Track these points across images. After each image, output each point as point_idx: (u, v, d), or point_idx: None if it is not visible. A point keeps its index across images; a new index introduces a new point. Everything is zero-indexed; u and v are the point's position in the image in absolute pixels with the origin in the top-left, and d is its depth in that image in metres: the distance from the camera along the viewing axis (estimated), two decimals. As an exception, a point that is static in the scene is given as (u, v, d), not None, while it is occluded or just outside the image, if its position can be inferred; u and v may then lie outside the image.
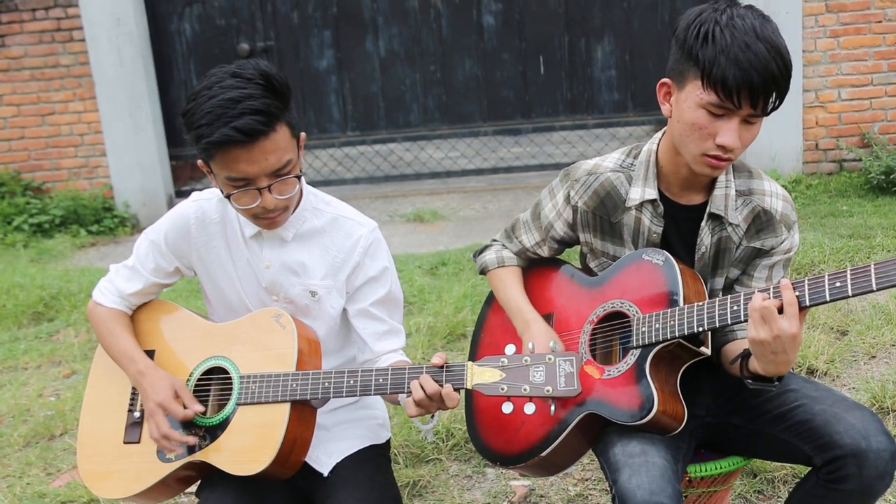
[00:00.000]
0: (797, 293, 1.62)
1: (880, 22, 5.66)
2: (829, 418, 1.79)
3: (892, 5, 5.62)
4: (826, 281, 1.60)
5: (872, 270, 1.56)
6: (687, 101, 1.75)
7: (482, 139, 6.60)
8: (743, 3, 1.76)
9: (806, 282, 1.63)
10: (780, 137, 5.72)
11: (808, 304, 1.62)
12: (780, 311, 1.62)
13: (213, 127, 1.74)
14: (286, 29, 6.38)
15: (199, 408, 1.91)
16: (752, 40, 1.67)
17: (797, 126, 5.79)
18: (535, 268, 2.14)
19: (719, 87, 1.68)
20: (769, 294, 1.66)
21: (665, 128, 1.92)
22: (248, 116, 1.73)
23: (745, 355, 1.76)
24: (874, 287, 1.56)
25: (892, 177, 5.32)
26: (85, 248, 6.05)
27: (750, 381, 1.77)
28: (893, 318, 3.50)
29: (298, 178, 1.88)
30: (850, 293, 1.58)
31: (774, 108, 1.75)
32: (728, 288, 1.96)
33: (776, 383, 1.75)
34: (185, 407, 1.91)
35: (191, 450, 1.91)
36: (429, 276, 4.64)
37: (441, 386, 1.73)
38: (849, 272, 1.59)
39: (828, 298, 1.60)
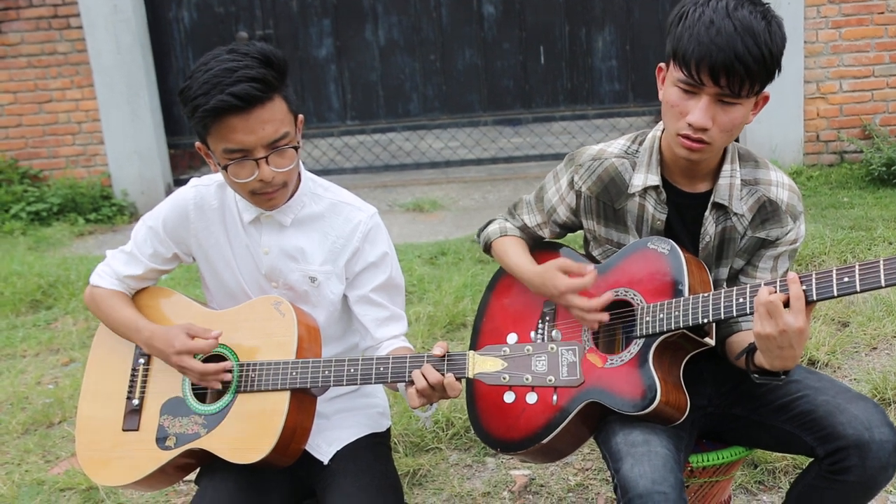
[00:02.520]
0: (804, 287, 1.60)
1: (882, 13, 5.63)
2: (831, 409, 1.78)
3: (895, -4, 5.60)
4: (834, 275, 1.58)
5: (882, 266, 1.54)
6: (667, 81, 1.78)
7: (482, 129, 6.58)
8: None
9: (813, 276, 1.61)
10: (780, 128, 5.70)
11: (815, 298, 1.60)
12: (787, 305, 1.61)
13: (209, 95, 1.73)
14: (285, 17, 6.35)
15: (217, 332, 1.90)
16: (720, 18, 1.66)
17: (798, 117, 5.77)
18: (537, 253, 2.12)
19: (682, 63, 1.70)
20: (776, 288, 1.64)
21: (670, 115, 1.91)
22: (244, 83, 1.73)
23: (751, 349, 1.74)
24: (883, 283, 1.54)
25: (893, 168, 5.31)
26: (83, 237, 6.03)
27: (756, 375, 1.75)
28: (894, 310, 3.49)
29: (296, 149, 1.86)
30: (857, 289, 1.56)
31: (753, 92, 1.71)
32: (733, 278, 1.94)
33: (782, 377, 1.73)
34: (205, 340, 1.90)
35: (190, 437, 1.90)
36: (428, 266, 4.63)
37: (443, 375, 1.72)
38: (857, 267, 1.56)
39: (835, 293, 1.58)
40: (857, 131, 5.82)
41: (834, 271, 1.59)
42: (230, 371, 1.89)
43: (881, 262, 1.54)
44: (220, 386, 1.90)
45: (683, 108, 1.73)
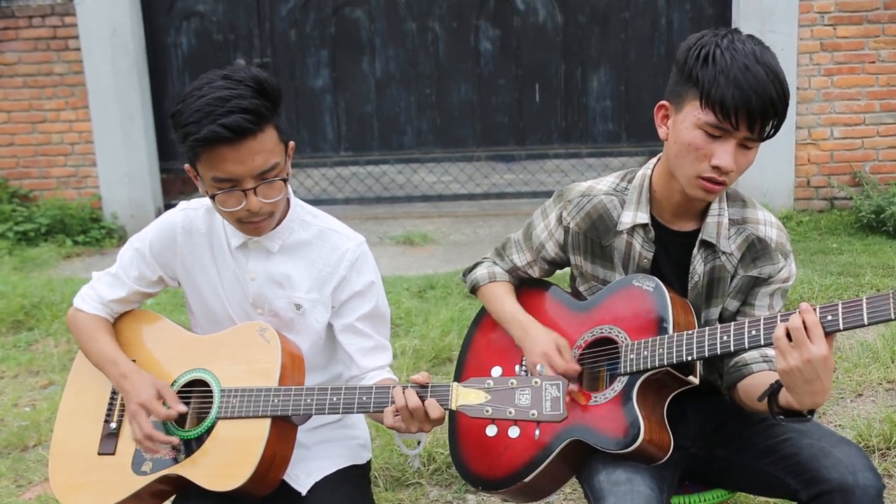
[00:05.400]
0: (829, 316, 1.56)
1: (873, 62, 5.71)
2: (816, 452, 1.76)
3: (886, 47, 5.68)
4: (864, 304, 1.55)
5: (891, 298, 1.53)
6: (685, 122, 1.75)
7: (475, 164, 6.61)
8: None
9: (840, 305, 1.58)
10: (772, 173, 5.74)
11: (841, 328, 1.56)
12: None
13: (200, 124, 1.72)
14: (283, 46, 6.39)
15: (183, 408, 1.87)
16: (752, 63, 1.67)
17: (789, 162, 5.82)
18: (524, 290, 2.12)
19: (718, 108, 1.68)
20: (779, 319, 1.61)
21: (660, 153, 1.91)
22: (236, 114, 1.72)
23: (774, 390, 1.69)
24: (892, 316, 1.52)
25: (882, 216, 5.34)
26: (70, 259, 6.00)
27: (782, 416, 1.69)
28: (880, 357, 3.49)
29: (285, 181, 1.85)
30: (865, 321, 1.54)
31: (770, 135, 1.74)
32: (725, 320, 1.93)
33: (809, 417, 1.67)
34: (168, 408, 1.87)
35: (167, 463, 1.87)
36: (416, 299, 4.62)
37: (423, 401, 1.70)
38: (865, 301, 1.55)
39: (866, 322, 1.55)
40: (847, 178, 5.87)
41: (864, 301, 1.55)
42: (175, 447, 1.86)
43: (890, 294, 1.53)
44: (153, 454, 1.86)
45: (708, 150, 1.72)
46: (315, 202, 2.11)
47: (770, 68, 1.68)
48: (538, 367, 1.87)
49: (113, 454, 1.94)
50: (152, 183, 6.36)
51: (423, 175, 6.64)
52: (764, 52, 1.71)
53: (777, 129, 1.73)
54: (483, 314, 2.18)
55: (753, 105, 1.66)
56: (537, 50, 6.28)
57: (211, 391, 1.90)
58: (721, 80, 1.67)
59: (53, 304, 4.63)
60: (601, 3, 6.17)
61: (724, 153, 1.71)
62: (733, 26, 5.80)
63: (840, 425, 3.07)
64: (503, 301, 2.07)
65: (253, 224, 1.85)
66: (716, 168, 1.73)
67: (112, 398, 2.00)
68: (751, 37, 1.75)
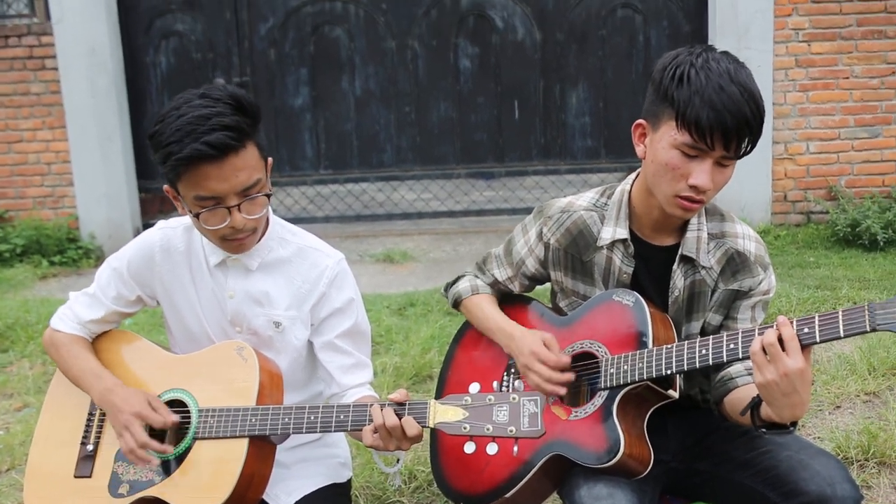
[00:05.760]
0: (806, 329, 1.57)
1: (847, 78, 5.79)
2: (794, 465, 1.77)
3: (859, 62, 5.76)
4: (840, 317, 1.56)
5: (866, 310, 1.54)
6: (661, 142, 1.75)
7: (455, 181, 6.62)
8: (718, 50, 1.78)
9: (816, 318, 1.58)
10: (749, 188, 5.79)
11: (818, 340, 1.57)
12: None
13: (182, 143, 1.71)
14: (262, 65, 6.39)
15: (175, 417, 1.86)
16: (727, 83, 1.68)
17: (766, 177, 5.87)
18: (505, 305, 2.12)
19: (693, 128, 1.69)
20: (756, 333, 1.62)
21: (639, 169, 1.92)
22: (218, 132, 1.71)
23: (755, 404, 1.70)
24: (868, 328, 1.53)
25: (857, 230, 5.40)
26: (46, 279, 5.93)
27: (764, 429, 1.70)
28: (858, 369, 3.51)
29: (268, 196, 1.85)
30: (841, 334, 1.55)
31: (747, 153, 1.75)
32: (708, 334, 1.93)
33: (791, 429, 1.68)
34: (160, 416, 1.86)
35: (144, 485, 1.85)
36: (396, 317, 4.60)
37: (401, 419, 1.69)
38: (841, 313, 1.56)
39: (842, 334, 1.55)
40: (823, 192, 5.93)
41: (840, 313, 1.56)
42: (160, 455, 1.84)
43: (865, 306, 1.55)
44: (144, 464, 1.85)
45: (685, 170, 1.73)
46: (295, 221, 2.10)
47: (744, 87, 1.69)
48: (517, 384, 1.87)
49: (89, 477, 1.91)
50: (130, 203, 6.32)
51: (402, 193, 6.64)
52: (739, 70, 1.71)
53: (753, 146, 1.74)
54: (464, 331, 2.18)
55: (728, 125, 1.67)
56: (516, 67, 6.32)
57: (189, 411, 1.88)
58: (696, 101, 1.67)
59: (29, 326, 4.57)
60: (579, 21, 6.22)
61: (700, 172, 1.72)
62: (710, 43, 5.88)
63: (819, 437, 3.08)
64: (487, 311, 2.07)
65: (237, 241, 1.85)
66: (693, 187, 1.74)
67: (89, 420, 1.98)
68: (725, 54, 1.76)
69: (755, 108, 1.70)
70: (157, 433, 1.90)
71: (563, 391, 1.84)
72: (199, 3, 6.32)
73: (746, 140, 1.71)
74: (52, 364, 3.81)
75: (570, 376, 1.84)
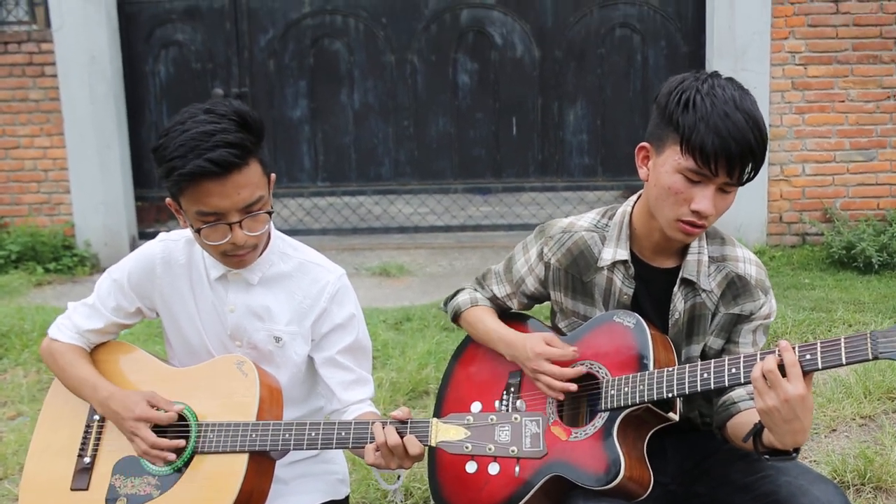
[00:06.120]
0: (808, 356, 1.58)
1: (843, 102, 5.83)
2: (794, 490, 1.77)
3: (854, 87, 5.80)
4: (843, 344, 1.56)
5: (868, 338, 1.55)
6: (665, 166, 1.76)
7: (452, 196, 6.63)
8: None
9: (818, 345, 1.59)
10: (745, 208, 5.81)
11: (820, 367, 1.58)
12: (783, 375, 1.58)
13: (186, 159, 1.72)
14: (262, 76, 6.40)
15: (178, 406, 1.86)
16: (732, 110, 1.69)
17: (762, 198, 5.90)
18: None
19: (697, 154, 1.70)
20: (758, 358, 1.63)
21: (641, 191, 1.93)
22: (222, 149, 1.71)
23: (758, 430, 1.70)
24: (870, 356, 1.54)
25: (852, 252, 5.42)
26: (41, 286, 5.91)
27: (767, 455, 1.71)
28: (853, 392, 3.52)
29: (270, 214, 1.85)
30: (843, 361, 1.56)
31: (749, 179, 1.76)
32: (709, 358, 1.93)
33: (793, 455, 1.68)
34: (165, 411, 1.87)
35: (141, 498, 1.84)
36: (393, 331, 4.60)
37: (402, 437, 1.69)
38: (843, 341, 1.56)
39: (844, 362, 1.56)
40: (818, 214, 5.95)
41: (842, 340, 1.57)
42: (181, 450, 1.84)
43: (868, 334, 1.55)
44: (163, 464, 1.85)
45: (688, 195, 1.74)
46: (291, 232, 2.12)
47: (749, 115, 1.70)
48: (518, 403, 1.86)
49: (86, 489, 1.90)
50: (127, 211, 6.31)
51: (399, 206, 6.65)
52: (744, 97, 1.73)
53: (756, 172, 1.76)
54: (463, 348, 2.18)
55: (733, 152, 1.68)
56: (515, 84, 6.34)
57: (188, 425, 1.87)
58: (701, 127, 1.69)
59: (23, 333, 4.55)
60: (578, 39, 6.26)
61: (703, 198, 1.73)
62: (707, 64, 5.92)
63: (815, 461, 3.08)
64: (486, 322, 2.08)
65: (238, 257, 1.85)
66: (695, 212, 1.75)
67: (86, 432, 1.97)
68: (731, 80, 1.77)
69: (759, 135, 1.71)
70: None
71: (573, 387, 1.85)
72: (199, 13, 6.33)
73: (749, 166, 1.72)
74: (47, 372, 3.80)
75: (580, 369, 1.85)
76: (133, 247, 6.23)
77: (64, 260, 6.13)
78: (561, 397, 1.87)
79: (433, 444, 1.68)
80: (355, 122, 6.43)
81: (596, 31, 6.21)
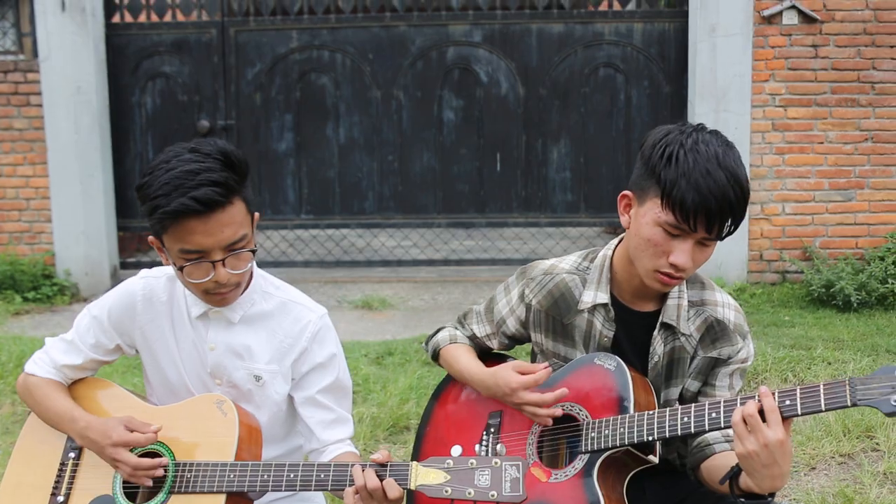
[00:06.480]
0: (787, 401, 1.59)
1: (822, 143, 5.92)
2: (773, 532, 1.77)
3: (833, 128, 5.90)
4: (822, 390, 1.57)
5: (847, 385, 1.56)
6: (645, 217, 1.78)
7: (435, 230, 6.65)
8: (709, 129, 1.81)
9: (798, 391, 1.60)
10: (726, 246, 5.78)
11: (799, 413, 1.59)
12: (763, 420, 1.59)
13: (170, 197, 1.72)
14: (247, 109, 6.43)
15: (156, 427, 1.85)
16: (714, 167, 1.70)
17: (743, 236, 5.96)
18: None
19: (677, 209, 1.71)
20: (744, 403, 1.63)
21: (622, 234, 1.95)
22: (206, 187, 1.72)
23: (735, 473, 1.70)
24: (849, 403, 1.55)
25: (831, 290, 5.47)
26: (19, 315, 5.86)
27: (742, 499, 1.70)
28: (833, 430, 3.53)
29: (253, 252, 1.86)
30: (823, 408, 1.57)
31: (729, 234, 1.78)
32: (686, 400, 1.94)
33: (770, 500, 1.68)
34: (142, 434, 1.86)
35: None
36: (374, 366, 4.58)
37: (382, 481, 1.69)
38: (822, 387, 1.58)
39: (823, 408, 1.57)
40: (798, 252, 6.02)
41: (821, 386, 1.58)
42: (165, 468, 1.83)
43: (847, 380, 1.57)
44: (150, 483, 1.83)
45: (667, 247, 1.76)
46: (274, 264, 2.10)
47: (731, 172, 1.71)
48: (498, 447, 1.86)
49: (60, 528, 1.88)
50: (109, 241, 6.28)
51: (383, 240, 6.66)
52: (727, 153, 1.74)
53: (736, 227, 1.77)
54: (443, 386, 2.18)
55: (712, 209, 1.70)
56: (499, 121, 6.40)
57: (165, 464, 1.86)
58: (682, 183, 1.70)
59: None
60: (562, 78, 6.33)
61: (681, 252, 1.75)
62: (689, 105, 6.01)
63: (795, 499, 3.09)
64: (462, 361, 2.07)
65: (220, 295, 1.85)
66: (673, 265, 1.77)
67: (60, 469, 1.94)
68: (715, 134, 1.78)
69: (740, 192, 1.72)
70: (129, 491, 1.88)
71: (559, 412, 1.85)
72: (187, 45, 6.37)
73: (729, 222, 1.74)
74: (21, 404, 3.75)
75: (562, 391, 1.84)
76: (114, 276, 6.20)
77: (43, 289, 6.09)
78: (550, 423, 1.87)
79: (412, 487, 1.67)
80: (340, 156, 6.46)
81: (580, 70, 6.29)
